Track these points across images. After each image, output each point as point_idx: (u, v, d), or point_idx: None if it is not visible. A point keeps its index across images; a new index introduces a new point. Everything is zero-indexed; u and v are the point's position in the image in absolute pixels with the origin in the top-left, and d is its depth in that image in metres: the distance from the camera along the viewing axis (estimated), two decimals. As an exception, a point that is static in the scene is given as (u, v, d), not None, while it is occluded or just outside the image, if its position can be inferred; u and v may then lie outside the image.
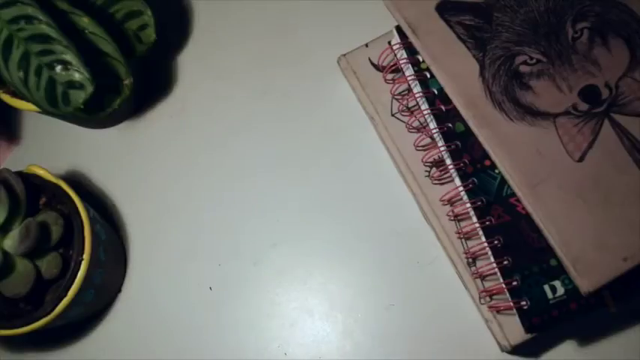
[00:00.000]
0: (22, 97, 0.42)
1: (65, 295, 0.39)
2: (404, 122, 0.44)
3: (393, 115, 0.45)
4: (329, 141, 0.49)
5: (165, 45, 0.52)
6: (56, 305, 0.39)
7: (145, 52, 0.46)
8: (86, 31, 0.42)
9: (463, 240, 0.42)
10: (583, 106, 0.39)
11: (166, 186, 0.49)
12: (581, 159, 0.38)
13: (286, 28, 0.53)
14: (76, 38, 0.40)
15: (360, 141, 0.48)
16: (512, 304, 0.38)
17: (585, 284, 0.35)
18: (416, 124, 0.44)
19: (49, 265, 0.40)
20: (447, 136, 0.41)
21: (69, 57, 0.40)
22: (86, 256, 0.40)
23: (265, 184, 0.48)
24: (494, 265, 0.39)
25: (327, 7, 0.52)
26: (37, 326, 0.39)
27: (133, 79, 0.44)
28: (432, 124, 0.42)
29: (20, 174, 0.42)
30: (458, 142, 0.41)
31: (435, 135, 0.42)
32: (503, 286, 0.39)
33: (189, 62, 0.53)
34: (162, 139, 0.51)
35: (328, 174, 0.48)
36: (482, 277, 0.41)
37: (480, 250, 0.40)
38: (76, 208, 0.41)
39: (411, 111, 0.44)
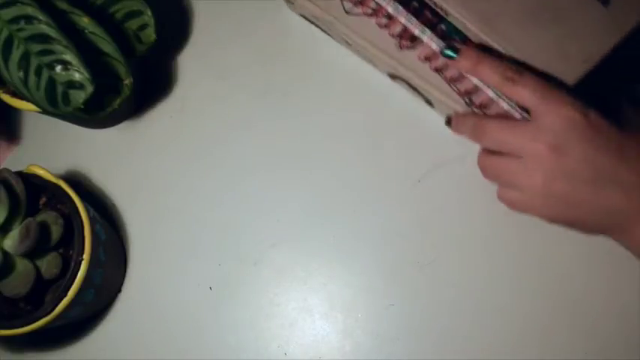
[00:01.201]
0: (22, 97, 0.42)
1: (65, 295, 0.39)
2: (360, 14, 0.45)
3: (347, 12, 0.46)
4: (328, 139, 0.49)
5: (165, 45, 0.52)
6: (56, 305, 0.39)
7: (145, 52, 0.46)
8: (86, 31, 0.42)
9: (452, 84, 0.43)
10: None
11: (166, 186, 0.49)
12: None
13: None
14: (76, 38, 0.40)
15: (359, 143, 0.48)
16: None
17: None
18: (370, 12, 0.45)
19: (49, 265, 0.40)
20: (403, 1, 0.42)
21: (69, 57, 0.40)
22: (86, 256, 0.40)
23: (265, 184, 0.48)
24: (490, 91, 0.41)
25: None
26: (37, 326, 0.39)
27: (133, 79, 0.44)
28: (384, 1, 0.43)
29: (20, 174, 0.42)
30: (415, 3, 0.42)
31: (391, 8, 0.43)
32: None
33: (189, 62, 0.53)
34: (162, 139, 0.51)
35: (327, 173, 0.48)
36: (484, 107, 0.43)
37: (471, 86, 0.42)
38: (76, 208, 0.41)
39: (360, 1, 0.46)
